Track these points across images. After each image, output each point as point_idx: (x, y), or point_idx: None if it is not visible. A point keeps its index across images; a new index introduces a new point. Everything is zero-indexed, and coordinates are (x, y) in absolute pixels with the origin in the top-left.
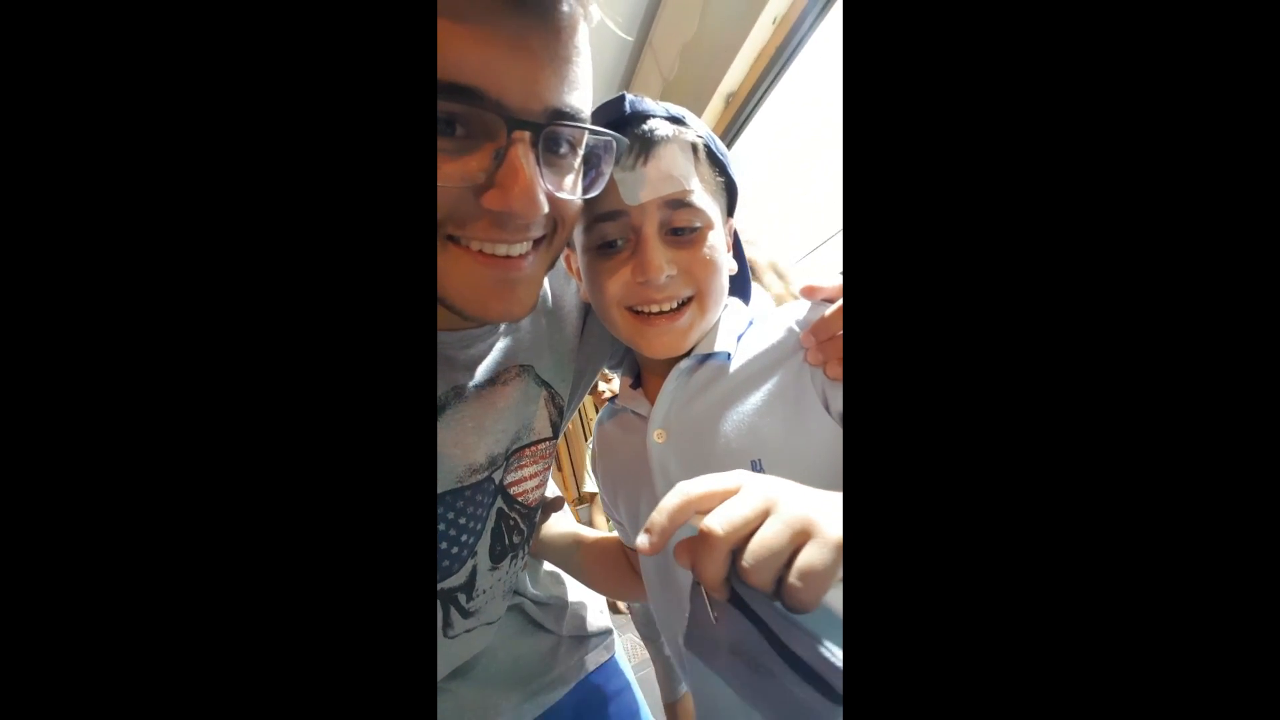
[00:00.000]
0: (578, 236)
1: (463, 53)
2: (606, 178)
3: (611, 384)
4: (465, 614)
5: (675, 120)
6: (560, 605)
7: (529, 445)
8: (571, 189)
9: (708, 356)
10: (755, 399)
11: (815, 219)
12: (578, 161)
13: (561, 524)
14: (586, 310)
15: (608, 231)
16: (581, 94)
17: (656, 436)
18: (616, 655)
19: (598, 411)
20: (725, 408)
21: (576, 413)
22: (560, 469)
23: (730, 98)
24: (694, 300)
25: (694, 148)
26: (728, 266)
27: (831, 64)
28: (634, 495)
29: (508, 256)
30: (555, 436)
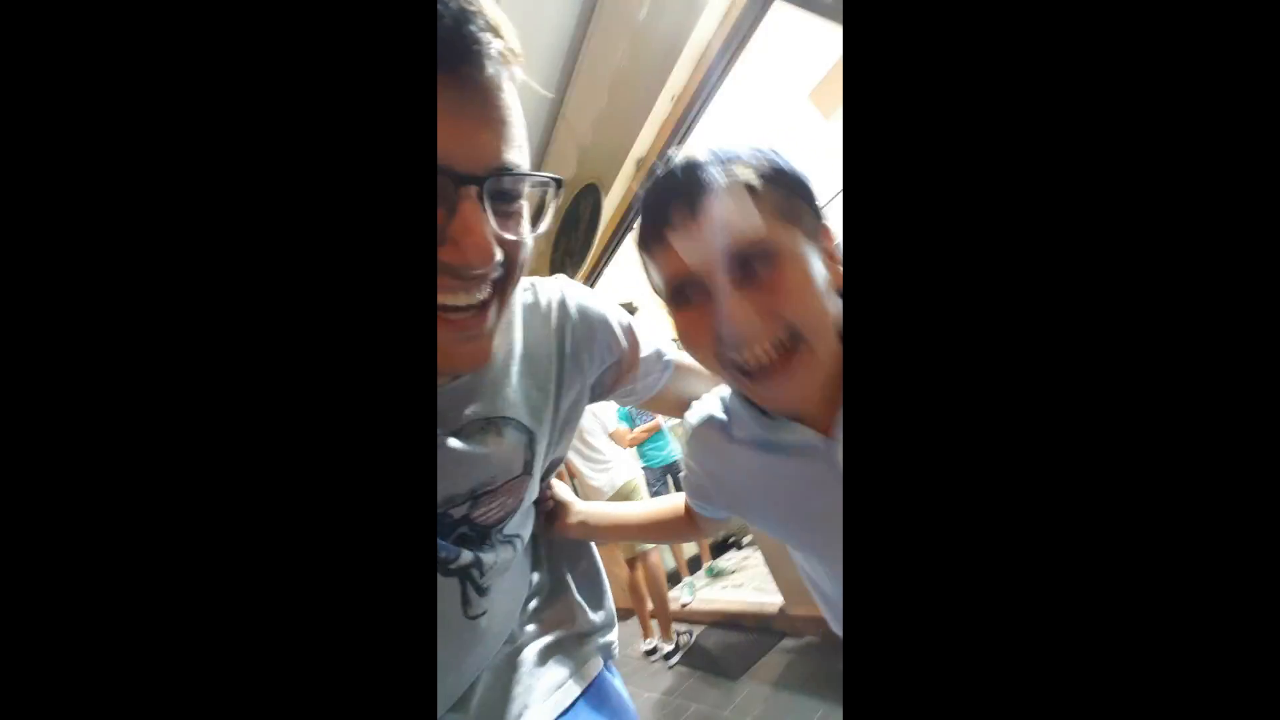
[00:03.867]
0: (661, 295)
1: None
2: (550, 213)
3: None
4: (481, 591)
5: (726, 161)
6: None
7: (501, 486)
8: (518, 231)
9: None
10: None
11: None
12: (524, 207)
13: (611, 507)
14: (561, 352)
15: (683, 289)
16: (519, 150)
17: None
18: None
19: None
20: None
21: None
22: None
23: (640, 162)
24: (799, 343)
25: (747, 184)
26: (826, 290)
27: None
28: (809, 518)
29: (467, 307)
30: (527, 472)
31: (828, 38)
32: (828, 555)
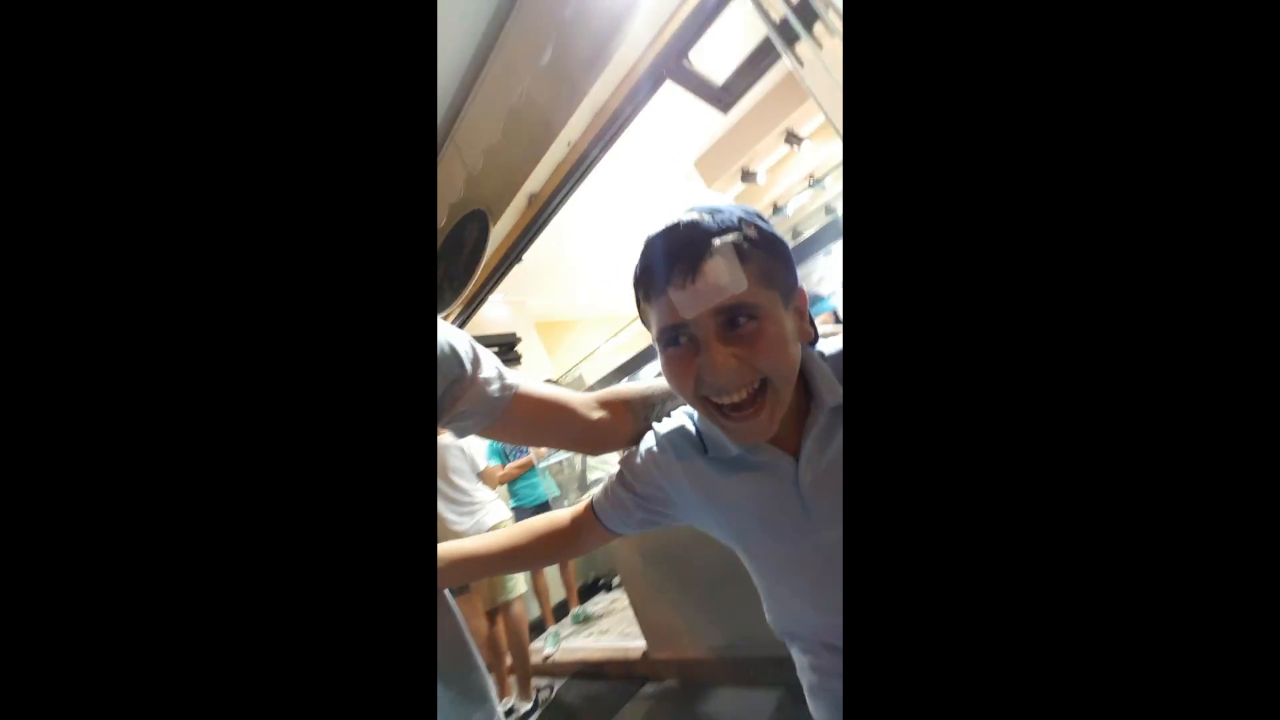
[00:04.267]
0: (654, 339)
1: None
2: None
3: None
4: None
5: (724, 229)
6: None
7: None
8: None
9: (838, 407)
10: None
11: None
12: None
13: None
14: None
15: (675, 334)
16: None
17: (805, 476)
18: None
19: None
20: None
21: None
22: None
23: (534, 198)
24: (767, 387)
25: (738, 249)
26: (794, 343)
27: (619, 181)
28: (770, 529)
29: None
30: None
31: (712, 118)
32: (789, 563)
